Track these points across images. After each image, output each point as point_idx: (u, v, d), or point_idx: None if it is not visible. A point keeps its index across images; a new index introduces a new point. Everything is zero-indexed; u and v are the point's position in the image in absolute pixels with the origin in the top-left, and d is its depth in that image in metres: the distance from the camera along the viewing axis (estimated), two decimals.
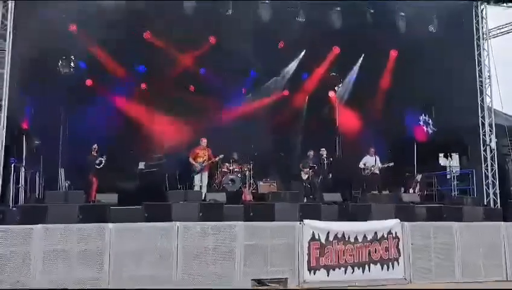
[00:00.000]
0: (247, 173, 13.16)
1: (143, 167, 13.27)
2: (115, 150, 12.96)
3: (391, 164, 12.89)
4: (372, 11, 12.44)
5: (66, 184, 12.68)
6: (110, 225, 7.65)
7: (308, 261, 8.39)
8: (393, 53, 14.51)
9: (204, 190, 11.73)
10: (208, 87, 15.14)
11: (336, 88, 16.48)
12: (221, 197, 9.68)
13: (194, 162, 12.09)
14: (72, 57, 13.24)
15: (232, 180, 12.80)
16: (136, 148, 13.88)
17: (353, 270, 8.61)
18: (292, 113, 15.96)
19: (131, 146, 13.81)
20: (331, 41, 14.17)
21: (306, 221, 8.61)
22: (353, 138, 15.59)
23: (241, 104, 15.74)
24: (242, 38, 13.63)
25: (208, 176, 12.40)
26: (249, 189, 12.74)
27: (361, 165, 13.04)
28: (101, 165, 11.85)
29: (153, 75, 14.43)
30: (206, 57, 14.04)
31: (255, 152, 13.72)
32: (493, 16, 13.20)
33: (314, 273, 8.40)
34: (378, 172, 12.90)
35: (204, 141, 12.28)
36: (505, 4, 12.60)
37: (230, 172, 13.01)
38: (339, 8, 12.31)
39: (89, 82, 14.03)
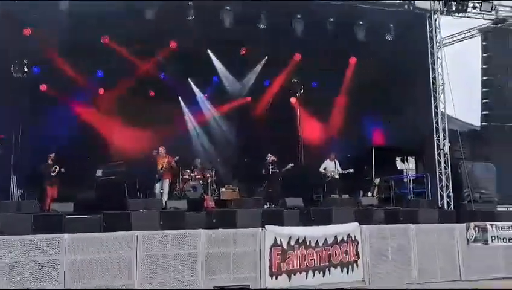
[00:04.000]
0: (209, 179, 13.07)
1: (101, 175, 12.89)
2: (72, 157, 12.58)
3: (351, 171, 13.14)
4: (332, 19, 12.66)
5: (19, 193, 12.16)
6: (66, 236, 7.43)
7: (270, 267, 8.45)
8: (352, 60, 14.83)
9: (165, 198, 11.56)
10: (169, 93, 14.99)
11: (297, 94, 16.70)
12: (182, 204, 9.56)
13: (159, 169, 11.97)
14: (25, 61, 12.76)
15: (194, 187, 12.66)
16: (94, 155, 13.49)
17: (314, 274, 8.74)
18: (255, 119, 16.01)
19: (88, 153, 13.43)
20: (292, 48, 14.32)
21: (268, 227, 8.69)
22: (315, 143, 15.83)
23: (203, 110, 15.65)
24: (204, 43, 13.65)
25: (169, 184, 12.24)
26: (211, 196, 12.64)
27: (321, 169, 13.23)
28: (55, 173, 11.48)
29: (111, 80, 14.12)
30: (166, 62, 13.87)
31: (218, 158, 13.64)
32: (446, 25, 13.76)
33: (276, 279, 8.47)
34: (337, 177, 13.11)
35: (161, 149, 12.16)
36: (456, 14, 13.14)
37: (191, 179, 12.87)
38: (299, 16, 12.45)
39: (43, 87, 13.57)
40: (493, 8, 13.22)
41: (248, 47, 13.98)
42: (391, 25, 13.05)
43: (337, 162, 13.21)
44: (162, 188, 11.99)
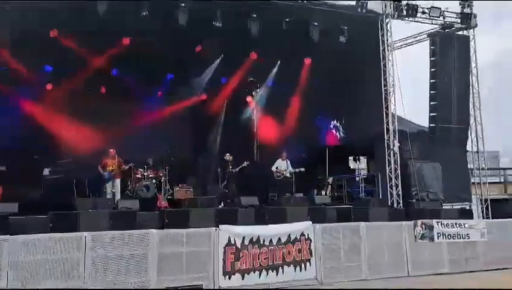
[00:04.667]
0: (162, 178, 12.85)
1: (48, 174, 12.38)
2: (18, 156, 12.04)
3: (302, 170, 13.33)
4: (287, 19, 12.76)
5: None
6: (10, 237, 7.09)
7: (224, 267, 8.45)
8: (307, 61, 15.03)
9: (117, 197, 11.32)
10: (122, 90, 14.61)
11: (253, 93, 16.78)
12: (133, 204, 9.37)
13: (101, 171, 11.74)
14: None
15: (146, 186, 12.41)
16: (42, 153, 12.95)
17: (267, 273, 8.81)
18: (210, 118, 15.91)
19: (36, 151, 12.86)
20: (248, 47, 14.32)
21: (222, 226, 8.68)
22: (270, 142, 15.94)
23: (157, 107, 15.36)
24: (158, 40, 13.38)
25: (121, 183, 11.97)
26: (164, 195, 12.44)
27: (273, 168, 13.35)
28: None
29: (60, 75, 13.57)
30: (119, 58, 13.50)
31: (172, 157, 13.44)
32: (397, 29, 14.21)
33: (230, 278, 8.47)
34: (289, 176, 13.26)
35: (112, 152, 11.90)
36: (406, 18, 13.60)
37: (144, 178, 12.61)
38: (255, 15, 12.47)
39: None
40: (441, 13, 13.80)
41: (204, 45, 13.86)
42: (345, 27, 13.30)
43: (288, 162, 13.38)
44: (114, 187, 11.73)
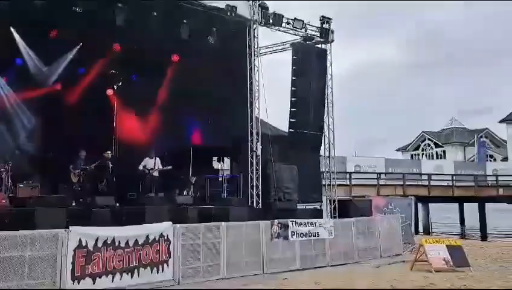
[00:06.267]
0: (3, 174, 11.35)
1: None
2: None
3: (169, 167, 13.10)
4: (155, 13, 12.34)
5: None
6: None
7: (72, 271, 7.80)
8: (175, 58, 14.74)
9: None
10: None
11: (115, 86, 15.87)
12: None
13: None
14: None
15: None
16: None
17: (121, 276, 8.39)
18: (64, 110, 14.50)
19: None
20: (112, 38, 13.50)
21: (72, 228, 8.05)
22: (132, 139, 15.24)
23: (2, 95, 13.54)
24: (5, 20, 11.85)
25: None
26: (5, 193, 11.00)
27: (140, 167, 12.85)
28: None
29: None
30: None
31: (16, 151, 11.97)
32: (264, 36, 14.75)
33: (79, 283, 7.86)
34: (157, 174, 12.88)
35: None
36: (272, 27, 14.21)
37: None
38: (121, 5, 11.79)
39: None
40: (303, 26, 14.72)
41: (60, 30, 12.63)
42: (214, 29, 13.37)
43: (157, 160, 13.00)
44: None
